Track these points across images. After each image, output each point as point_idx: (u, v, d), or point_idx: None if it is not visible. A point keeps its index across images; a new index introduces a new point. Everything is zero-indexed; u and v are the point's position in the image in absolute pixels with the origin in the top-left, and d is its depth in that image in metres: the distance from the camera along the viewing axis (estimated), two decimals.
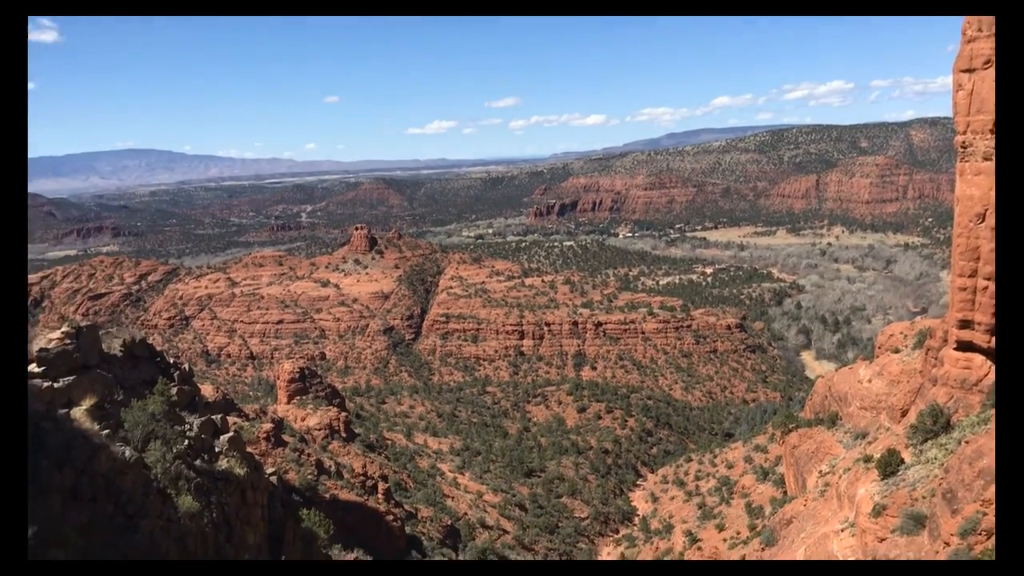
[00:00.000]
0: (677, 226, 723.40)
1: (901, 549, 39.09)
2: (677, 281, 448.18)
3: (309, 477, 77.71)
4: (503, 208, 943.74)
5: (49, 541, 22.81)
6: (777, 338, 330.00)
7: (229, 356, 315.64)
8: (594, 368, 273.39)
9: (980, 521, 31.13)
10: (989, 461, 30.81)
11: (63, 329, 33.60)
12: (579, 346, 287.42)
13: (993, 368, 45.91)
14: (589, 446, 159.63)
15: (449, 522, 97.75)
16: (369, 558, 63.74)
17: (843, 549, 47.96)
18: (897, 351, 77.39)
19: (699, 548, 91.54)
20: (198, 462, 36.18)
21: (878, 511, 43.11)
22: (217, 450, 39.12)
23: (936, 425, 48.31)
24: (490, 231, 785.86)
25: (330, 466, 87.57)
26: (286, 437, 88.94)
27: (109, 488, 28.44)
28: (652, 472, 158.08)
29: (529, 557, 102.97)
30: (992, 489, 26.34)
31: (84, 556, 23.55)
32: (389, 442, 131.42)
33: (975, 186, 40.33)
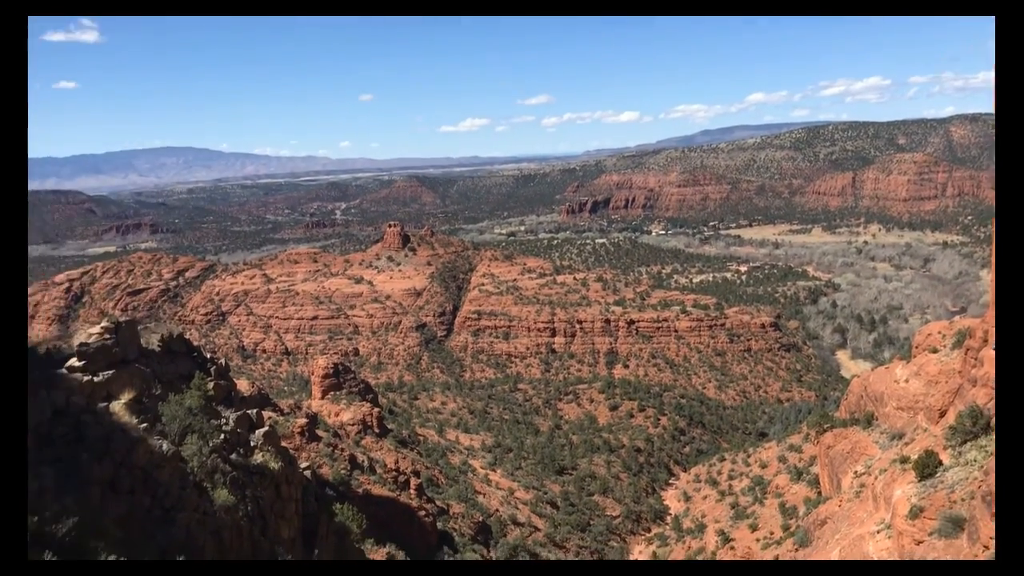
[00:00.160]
0: (711, 223, 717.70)
1: (939, 552, 38.49)
2: (711, 279, 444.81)
3: (342, 472, 78.33)
4: (535, 205, 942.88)
5: (89, 533, 23.19)
6: (812, 337, 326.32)
7: (264, 351, 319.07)
8: (626, 366, 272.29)
9: None
10: None
11: (103, 324, 34.12)
12: (611, 344, 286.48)
13: None
14: (621, 444, 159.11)
15: (481, 519, 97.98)
16: (401, 553, 64.13)
17: (879, 551, 47.32)
18: (935, 351, 76.10)
19: (732, 548, 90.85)
20: (234, 456, 36.61)
21: (915, 513, 42.48)
22: (252, 444, 39.56)
23: (976, 427, 47.45)
24: (522, 228, 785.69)
25: (363, 461, 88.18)
26: (320, 432, 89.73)
27: (147, 481, 28.88)
28: (685, 471, 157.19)
29: (560, 555, 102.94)
30: None
31: (123, 548, 23.86)
32: (421, 438, 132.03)
33: None
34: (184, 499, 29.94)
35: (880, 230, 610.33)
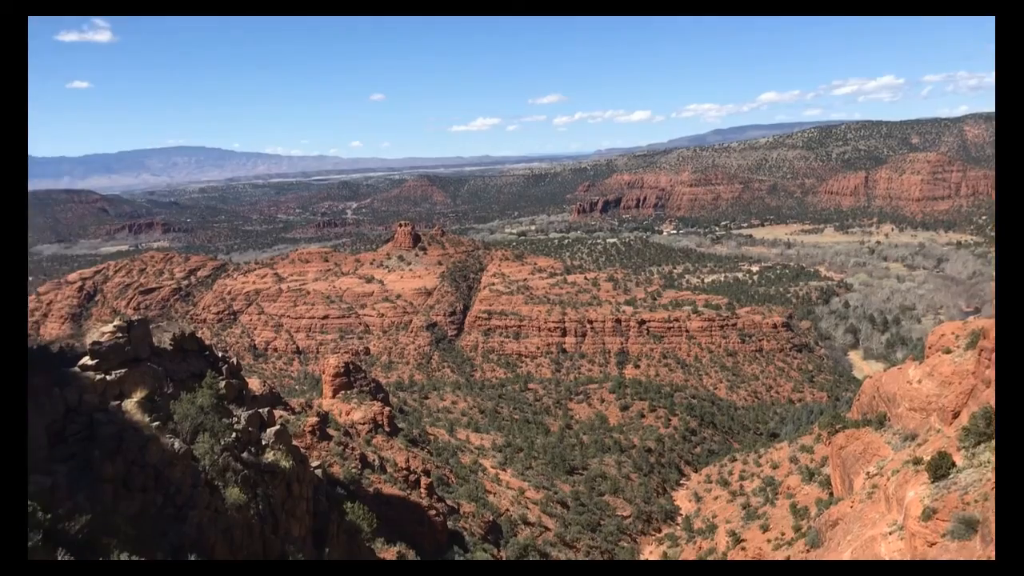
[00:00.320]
0: (723, 223, 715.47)
1: (952, 554, 38.25)
2: (722, 279, 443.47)
3: (353, 471, 78.47)
4: (546, 205, 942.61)
5: (101, 530, 23.29)
6: (824, 337, 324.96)
7: (276, 350, 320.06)
8: (637, 366, 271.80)
9: None
10: None
11: (115, 323, 34.25)
12: (622, 344, 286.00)
13: None
14: (632, 444, 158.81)
15: (491, 518, 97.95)
16: (412, 552, 64.20)
17: (891, 552, 47.07)
18: (948, 352, 75.60)
19: (743, 549, 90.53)
20: (245, 454, 36.71)
21: (928, 515, 42.23)
22: (264, 443, 39.66)
23: (990, 428, 47.13)
24: (533, 228, 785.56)
25: (374, 460, 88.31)
26: (331, 431, 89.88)
27: (159, 479, 29.00)
28: (696, 471, 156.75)
29: (571, 555, 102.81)
30: None
31: (135, 545, 23.96)
32: (432, 437, 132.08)
33: None
34: (196, 497, 30.05)
35: (893, 230, 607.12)
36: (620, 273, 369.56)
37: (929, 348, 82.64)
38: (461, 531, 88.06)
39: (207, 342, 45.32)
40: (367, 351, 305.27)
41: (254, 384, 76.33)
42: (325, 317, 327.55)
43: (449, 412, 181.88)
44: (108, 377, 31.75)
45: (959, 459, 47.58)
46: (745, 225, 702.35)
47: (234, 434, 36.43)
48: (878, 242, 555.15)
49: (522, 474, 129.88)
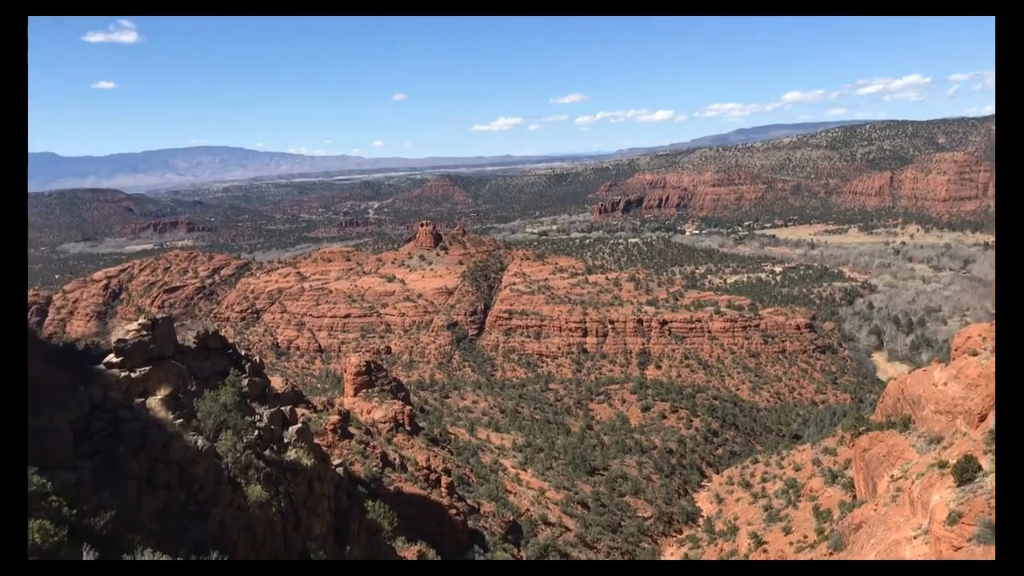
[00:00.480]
0: (746, 223, 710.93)
1: (978, 558, 37.78)
2: (745, 280, 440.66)
3: (374, 469, 78.73)
4: (567, 205, 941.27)
5: (125, 526, 23.47)
6: (848, 339, 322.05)
7: (298, 349, 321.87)
8: (659, 367, 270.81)
9: None
10: None
11: (140, 321, 34.56)
12: (644, 344, 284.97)
13: None
14: (653, 445, 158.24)
15: (511, 518, 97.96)
16: (432, 551, 64.30)
17: (916, 556, 46.55)
18: (975, 354, 74.62)
19: (764, 551, 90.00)
20: (267, 452, 36.91)
21: (954, 519, 41.74)
22: (286, 441, 39.86)
23: None
24: (554, 228, 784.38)
25: (395, 459, 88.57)
26: (352, 429, 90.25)
27: (182, 476, 29.21)
28: (717, 473, 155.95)
29: (591, 555, 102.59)
30: None
31: (158, 542, 24.14)
32: (452, 436, 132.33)
33: None
34: (218, 494, 30.24)
35: (918, 231, 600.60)
36: (642, 273, 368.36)
37: (955, 350, 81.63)
38: (481, 531, 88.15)
39: (230, 340, 45.62)
40: (388, 350, 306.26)
41: (276, 382, 76.77)
42: (347, 316, 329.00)
43: (469, 411, 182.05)
44: (133, 375, 32.04)
45: (985, 463, 46.99)
46: (768, 225, 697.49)
47: (257, 432, 36.64)
48: (903, 243, 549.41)
49: (542, 474, 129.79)
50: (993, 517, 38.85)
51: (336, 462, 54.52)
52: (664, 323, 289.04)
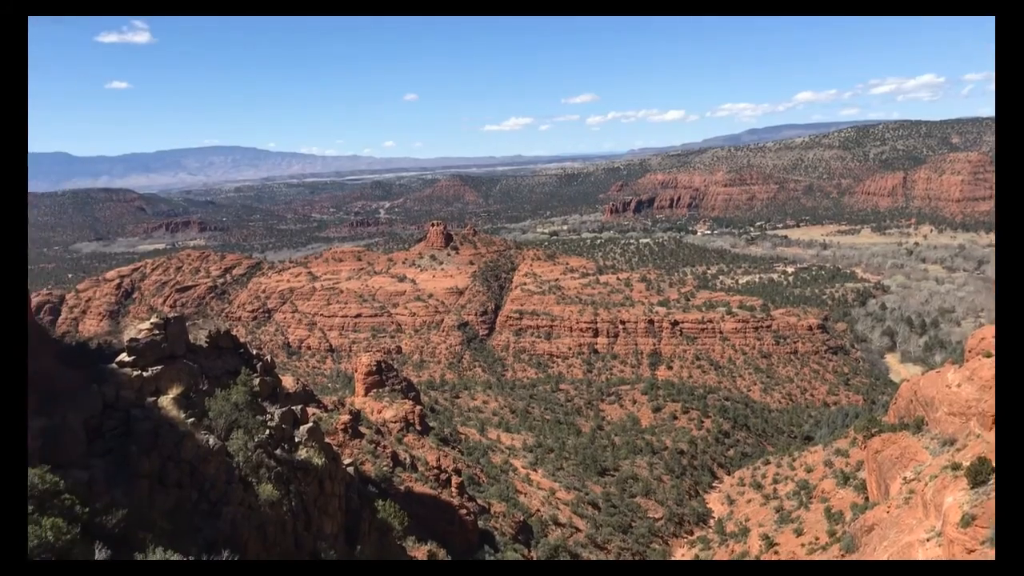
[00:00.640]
0: (757, 224, 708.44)
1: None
2: (757, 280, 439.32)
3: (385, 469, 78.82)
4: (578, 205, 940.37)
5: (137, 524, 23.55)
6: (860, 340, 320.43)
7: (309, 348, 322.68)
8: (670, 367, 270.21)
9: None
10: None
11: (152, 320, 34.68)
12: (655, 345, 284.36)
13: None
14: (664, 446, 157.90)
15: (521, 518, 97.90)
16: (442, 551, 64.28)
17: (929, 559, 46.26)
18: (989, 355, 73.98)
19: (776, 552, 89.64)
20: (278, 451, 36.98)
21: (967, 521, 41.46)
22: (297, 440, 39.93)
23: None
24: (565, 228, 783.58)
25: (405, 458, 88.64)
26: (363, 429, 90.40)
27: (194, 474, 29.30)
28: (728, 474, 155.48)
29: (602, 556, 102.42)
30: None
31: (169, 540, 24.20)
32: (463, 436, 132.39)
33: None
34: (230, 493, 30.31)
35: (932, 231, 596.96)
36: (653, 273, 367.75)
37: (969, 351, 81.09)
38: (492, 531, 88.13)
39: (242, 340, 45.73)
40: (399, 350, 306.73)
41: (288, 382, 76.95)
42: (358, 316, 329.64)
43: (480, 412, 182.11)
44: (145, 373, 32.16)
45: None
46: (780, 226, 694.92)
47: (268, 431, 36.73)
48: (916, 243, 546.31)
49: (553, 475, 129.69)
50: None
51: (347, 461, 54.64)
52: (675, 324, 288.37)
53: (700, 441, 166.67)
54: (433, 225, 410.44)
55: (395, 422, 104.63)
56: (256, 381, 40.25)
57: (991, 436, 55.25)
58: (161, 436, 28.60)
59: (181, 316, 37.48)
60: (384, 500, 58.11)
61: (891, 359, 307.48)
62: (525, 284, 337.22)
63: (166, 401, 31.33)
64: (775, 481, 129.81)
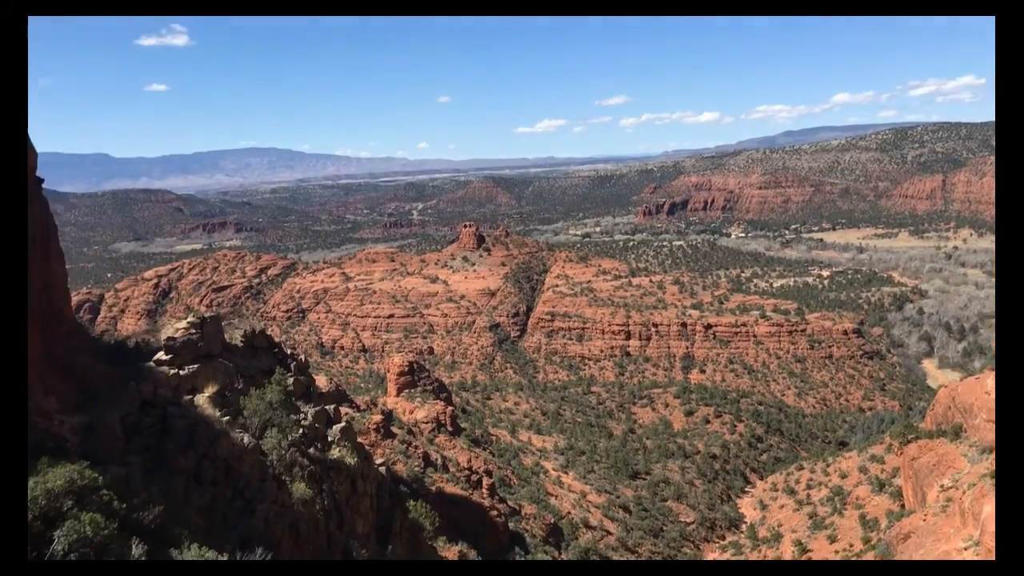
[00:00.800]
0: (793, 227, 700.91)
1: None
2: (792, 283, 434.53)
3: (416, 469, 79.14)
4: (611, 207, 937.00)
5: (173, 521, 23.89)
6: (897, 345, 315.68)
7: (342, 348, 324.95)
8: (703, 371, 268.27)
9: None
10: None
11: (189, 319, 35.18)
12: (688, 348, 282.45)
13: None
14: (696, 450, 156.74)
15: (552, 520, 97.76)
16: (473, 552, 64.43)
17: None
18: None
19: (809, 559, 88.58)
20: (311, 450, 37.31)
21: None
22: (330, 439, 40.25)
23: None
24: (597, 230, 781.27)
25: (436, 459, 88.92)
26: (395, 429, 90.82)
27: (228, 472, 29.65)
28: (761, 479, 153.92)
29: (633, 559, 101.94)
30: None
31: (205, 537, 24.50)
32: (494, 438, 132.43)
33: None
34: (264, 491, 30.64)
35: (971, 235, 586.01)
36: (686, 276, 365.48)
37: None
38: (522, 532, 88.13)
39: (276, 339, 46.23)
40: (431, 351, 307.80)
41: (321, 381, 77.64)
42: (390, 316, 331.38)
43: (511, 413, 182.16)
44: (181, 372, 32.64)
45: None
46: (816, 229, 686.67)
47: (301, 430, 37.07)
48: (955, 247, 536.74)
49: (584, 477, 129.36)
50: None
51: (379, 461, 54.97)
52: (708, 327, 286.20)
53: (733, 445, 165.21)
54: (465, 226, 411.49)
55: (427, 423, 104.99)
56: (290, 380, 40.67)
57: None
58: (197, 434, 29.00)
59: (217, 316, 37.97)
60: (415, 500, 58.37)
61: (928, 364, 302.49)
62: (557, 286, 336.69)
63: (202, 399, 31.76)
64: (808, 487, 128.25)
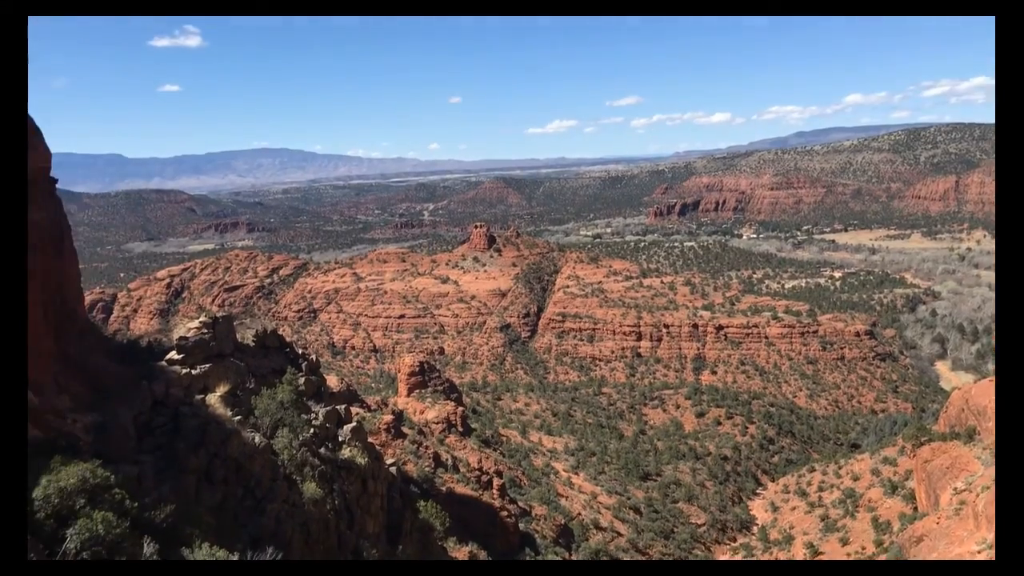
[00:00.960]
0: (804, 228, 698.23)
1: None
2: (803, 285, 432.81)
3: (426, 469, 79.18)
4: (622, 207, 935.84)
5: (184, 520, 23.94)
6: (910, 347, 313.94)
7: (353, 348, 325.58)
8: (714, 372, 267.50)
9: None
10: None
11: (201, 319, 35.27)
12: (699, 349, 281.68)
13: None
14: (707, 452, 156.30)
15: (562, 521, 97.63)
16: (483, 552, 64.40)
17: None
18: None
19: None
20: (322, 450, 37.35)
21: None
22: (340, 439, 40.27)
23: None
24: (608, 230, 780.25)
25: (447, 459, 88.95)
26: (405, 429, 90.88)
27: (239, 472, 29.71)
28: (773, 481, 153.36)
29: (642, 560, 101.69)
30: None
31: (216, 536, 24.53)
32: (504, 438, 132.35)
33: None
34: (274, 490, 30.69)
35: (985, 236, 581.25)
36: (698, 277, 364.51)
37: None
38: (532, 533, 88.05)
39: (288, 339, 46.31)
40: (441, 351, 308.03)
41: (332, 381, 77.76)
42: (401, 316, 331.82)
43: (522, 414, 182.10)
44: (193, 371, 32.72)
45: None
46: (828, 230, 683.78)
47: (312, 430, 37.12)
48: (969, 249, 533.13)
49: (595, 478, 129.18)
50: None
51: (389, 461, 54.97)
52: (720, 328, 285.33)
53: (744, 447, 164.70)
54: (476, 227, 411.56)
55: (437, 423, 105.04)
56: (301, 380, 40.74)
57: None
58: (208, 433, 29.06)
59: (229, 315, 38.07)
60: (426, 500, 58.40)
61: (941, 367, 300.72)
62: (568, 287, 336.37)
63: (214, 399, 31.83)
64: (820, 489, 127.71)
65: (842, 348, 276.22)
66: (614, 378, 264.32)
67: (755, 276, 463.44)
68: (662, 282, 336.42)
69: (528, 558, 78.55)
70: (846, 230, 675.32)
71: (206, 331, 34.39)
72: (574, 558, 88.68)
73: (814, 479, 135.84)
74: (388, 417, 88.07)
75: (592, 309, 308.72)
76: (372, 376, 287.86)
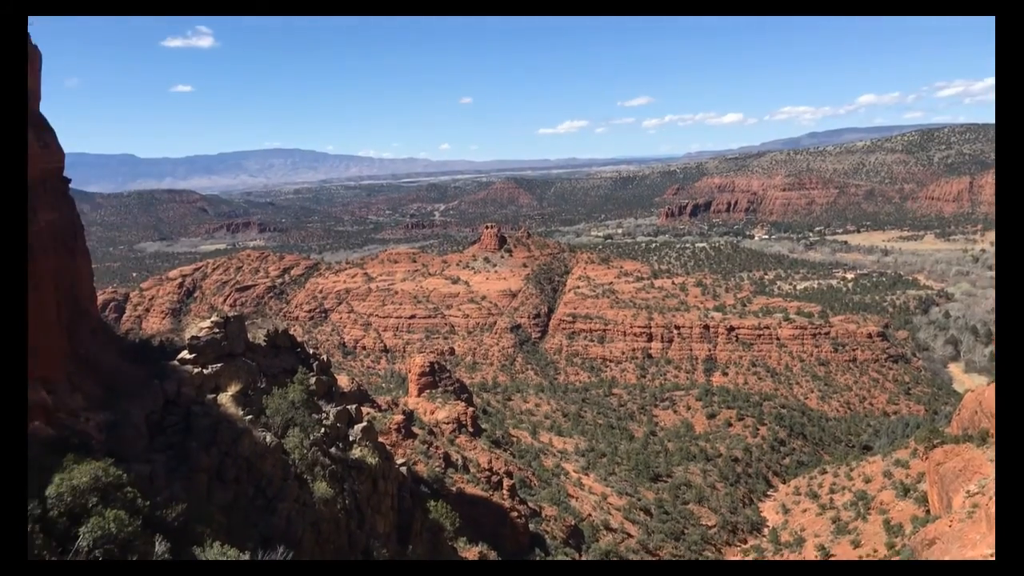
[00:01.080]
0: (817, 229, 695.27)
1: None
2: (816, 286, 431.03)
3: (437, 469, 79.25)
4: (633, 208, 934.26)
5: (196, 518, 24.03)
6: (922, 348, 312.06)
7: (364, 348, 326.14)
8: (725, 374, 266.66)
9: None
10: None
11: (212, 319, 35.41)
12: (710, 350, 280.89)
13: None
14: (718, 453, 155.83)
15: (573, 522, 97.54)
16: (493, 553, 64.38)
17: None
18: None
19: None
20: (333, 450, 37.42)
21: None
22: (351, 439, 40.34)
23: None
24: (619, 231, 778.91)
25: (457, 460, 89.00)
26: (416, 429, 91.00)
27: (250, 471, 29.80)
28: (784, 483, 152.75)
29: (652, 560, 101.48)
30: None
31: (227, 535, 24.61)
32: (514, 439, 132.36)
33: None
34: (285, 490, 30.76)
35: None
36: (709, 278, 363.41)
37: None
38: (543, 534, 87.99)
39: (299, 339, 46.43)
40: (452, 351, 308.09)
41: (343, 381, 77.89)
42: (412, 317, 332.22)
43: (532, 415, 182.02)
44: (205, 371, 32.85)
45: None
46: (840, 231, 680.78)
47: (323, 429, 37.21)
48: (983, 250, 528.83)
49: (605, 479, 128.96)
50: None
51: (400, 461, 55.07)
52: (731, 329, 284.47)
53: (755, 449, 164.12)
54: (487, 227, 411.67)
55: (447, 423, 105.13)
56: (312, 380, 40.85)
57: None
58: (220, 432, 29.17)
59: (240, 315, 38.20)
60: (436, 501, 58.45)
61: (954, 369, 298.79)
62: (579, 287, 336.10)
63: (225, 398, 31.95)
64: (832, 491, 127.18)
65: (854, 350, 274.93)
66: (625, 379, 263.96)
67: (767, 277, 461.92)
68: (673, 283, 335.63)
69: (539, 558, 78.49)
70: (859, 231, 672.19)
71: (218, 331, 34.52)
72: (584, 559, 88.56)
73: (825, 481, 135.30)
74: (399, 417, 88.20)
75: (603, 310, 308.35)
76: (383, 376, 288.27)
